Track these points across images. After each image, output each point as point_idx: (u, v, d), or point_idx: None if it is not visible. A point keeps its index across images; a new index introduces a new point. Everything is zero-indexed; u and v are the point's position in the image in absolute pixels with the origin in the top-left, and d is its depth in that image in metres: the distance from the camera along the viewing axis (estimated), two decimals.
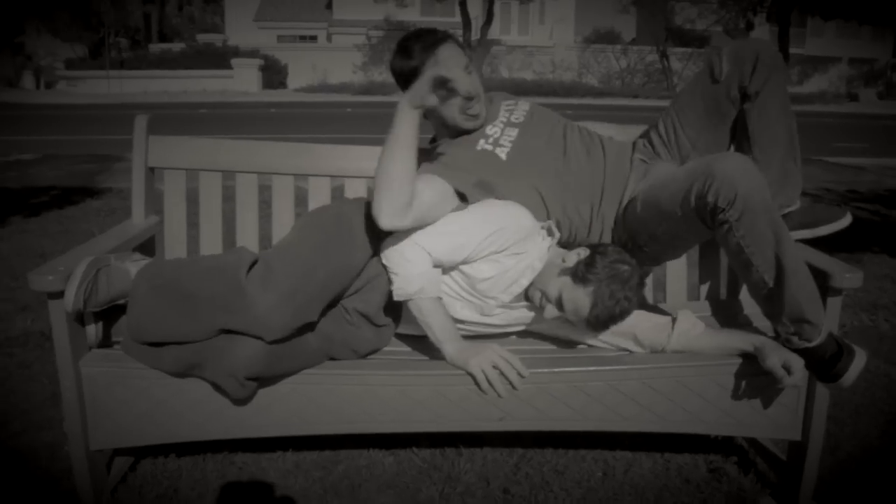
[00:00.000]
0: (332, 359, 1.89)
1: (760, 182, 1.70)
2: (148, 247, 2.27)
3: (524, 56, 30.41)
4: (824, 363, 1.80)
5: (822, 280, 1.84)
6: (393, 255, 1.84)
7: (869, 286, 3.86)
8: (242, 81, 25.95)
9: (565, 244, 2.07)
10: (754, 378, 1.88)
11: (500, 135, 2.05)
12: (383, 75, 29.74)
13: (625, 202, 2.03)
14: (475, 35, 27.68)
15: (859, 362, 1.78)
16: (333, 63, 29.03)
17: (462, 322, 1.97)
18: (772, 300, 1.79)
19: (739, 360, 1.89)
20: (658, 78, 29.84)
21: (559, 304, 1.87)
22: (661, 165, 2.09)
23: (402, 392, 1.84)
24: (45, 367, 2.79)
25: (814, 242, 2.00)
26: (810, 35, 33.96)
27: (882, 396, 2.65)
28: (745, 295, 2.33)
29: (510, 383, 1.83)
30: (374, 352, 1.97)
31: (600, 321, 1.83)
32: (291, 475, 2.12)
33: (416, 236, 1.84)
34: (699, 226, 1.82)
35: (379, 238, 1.87)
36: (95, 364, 1.82)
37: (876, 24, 28.37)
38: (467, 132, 2.05)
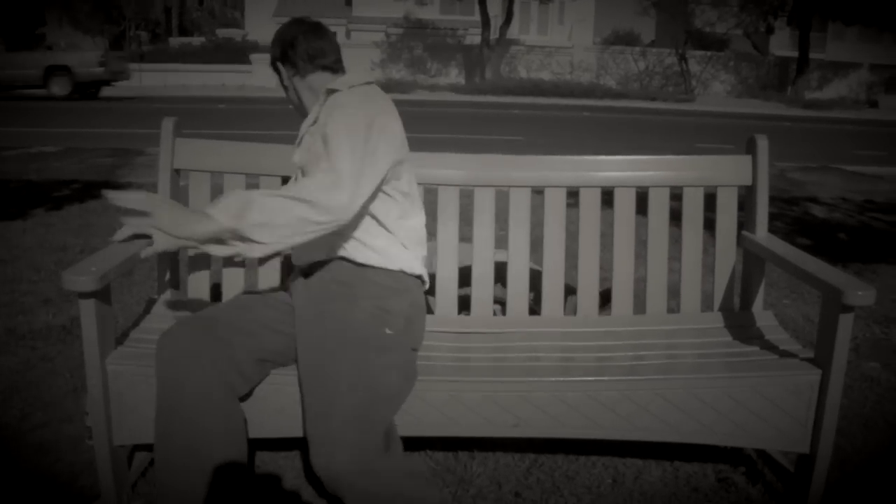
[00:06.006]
0: None
1: None
2: None
3: (543, 56, 30.40)
4: None
5: (834, 296, 1.86)
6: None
7: (882, 298, 3.84)
8: (261, 77, 26.10)
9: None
10: (766, 390, 1.91)
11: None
12: (401, 73, 29.78)
13: None
14: (494, 34, 27.69)
15: None
16: (352, 59, 28.81)
17: None
18: None
19: (753, 374, 1.92)
20: (676, 81, 29.74)
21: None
22: None
23: (418, 396, 1.88)
24: (66, 361, 2.85)
25: (825, 253, 2.01)
26: (831, 39, 33.74)
27: (891, 410, 2.66)
28: (757, 307, 2.36)
29: None
30: None
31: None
32: (308, 475, 2.16)
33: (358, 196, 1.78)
34: None
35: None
36: (121, 361, 1.87)
37: None
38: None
